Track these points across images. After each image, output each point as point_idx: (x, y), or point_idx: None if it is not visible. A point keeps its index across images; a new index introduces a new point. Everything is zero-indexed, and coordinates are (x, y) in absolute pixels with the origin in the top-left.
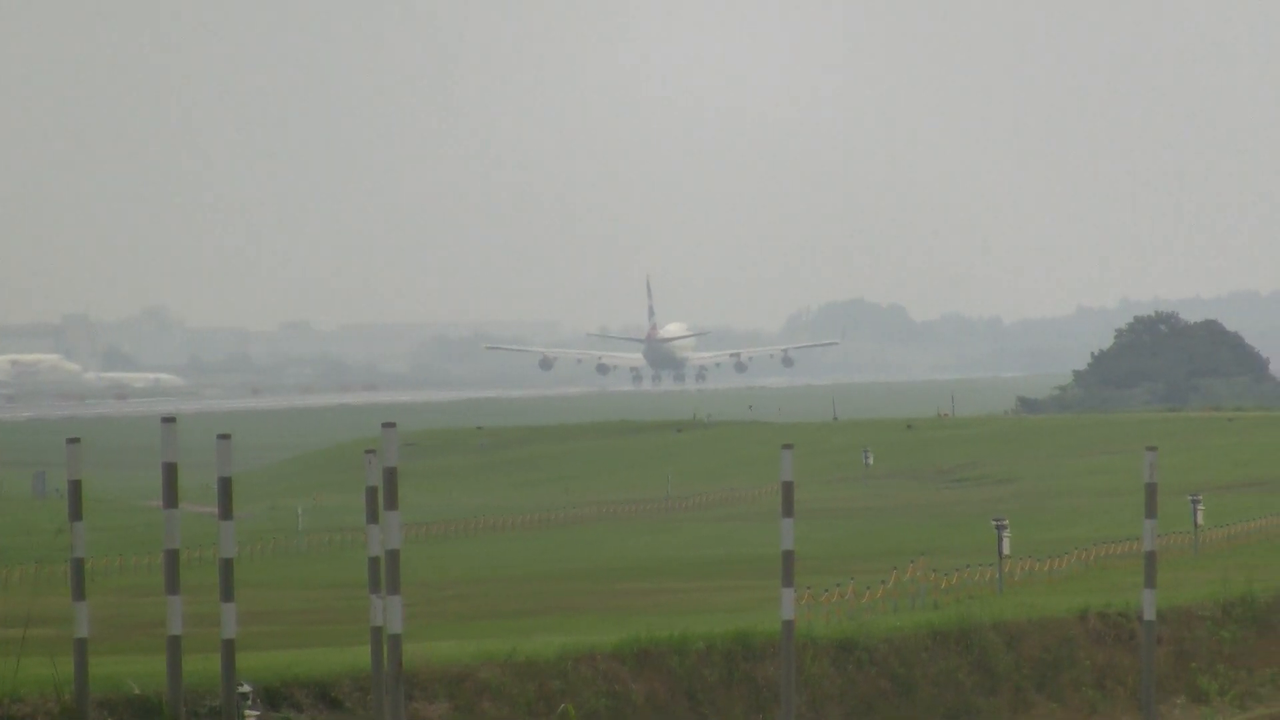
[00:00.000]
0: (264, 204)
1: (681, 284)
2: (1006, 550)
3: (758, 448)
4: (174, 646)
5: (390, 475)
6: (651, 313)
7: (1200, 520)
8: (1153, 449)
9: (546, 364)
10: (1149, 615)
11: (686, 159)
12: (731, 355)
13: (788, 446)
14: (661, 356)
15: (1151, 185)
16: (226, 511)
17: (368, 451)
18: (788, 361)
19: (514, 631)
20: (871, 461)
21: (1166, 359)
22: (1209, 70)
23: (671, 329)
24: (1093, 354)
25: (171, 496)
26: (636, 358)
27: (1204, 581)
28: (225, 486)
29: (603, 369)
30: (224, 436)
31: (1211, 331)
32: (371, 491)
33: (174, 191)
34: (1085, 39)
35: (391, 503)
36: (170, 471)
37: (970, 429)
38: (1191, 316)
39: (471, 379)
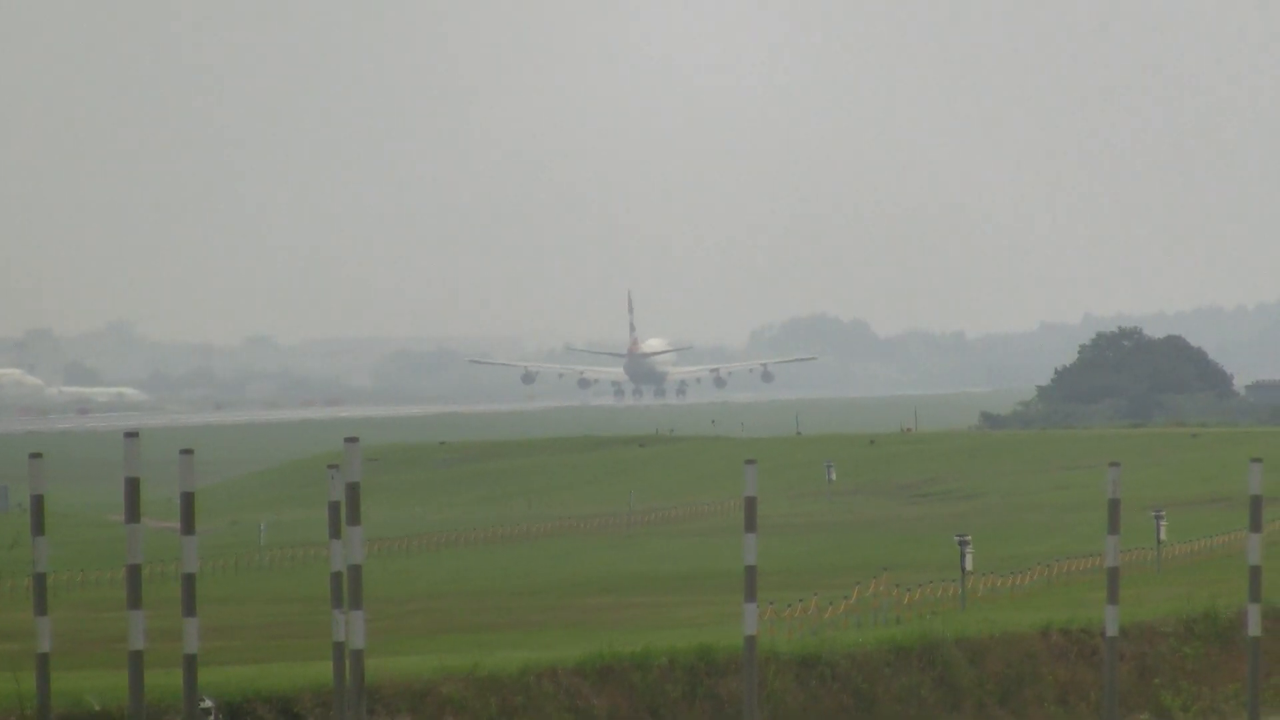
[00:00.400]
0: (226, 218)
1: (646, 299)
2: (969, 566)
3: (721, 463)
4: (136, 661)
5: (353, 490)
6: (632, 328)
7: (1163, 536)
8: (1116, 465)
9: (529, 378)
10: (1111, 631)
11: (650, 175)
12: (711, 370)
13: (751, 462)
14: (642, 371)
15: (1115, 201)
16: (189, 526)
17: (330, 466)
18: (767, 376)
19: (476, 646)
20: (834, 477)
21: (1130, 375)
22: (1171, 89)
23: (652, 344)
24: (1056, 369)
25: (134, 511)
26: (618, 372)
27: (1167, 597)
28: (188, 501)
29: (584, 383)
30: (186, 452)
31: (1175, 347)
32: (334, 506)
33: (137, 206)
34: (1047, 55)
35: (354, 518)
36: (133, 486)
37: (933, 444)
38: (1155, 332)
39: (435, 393)
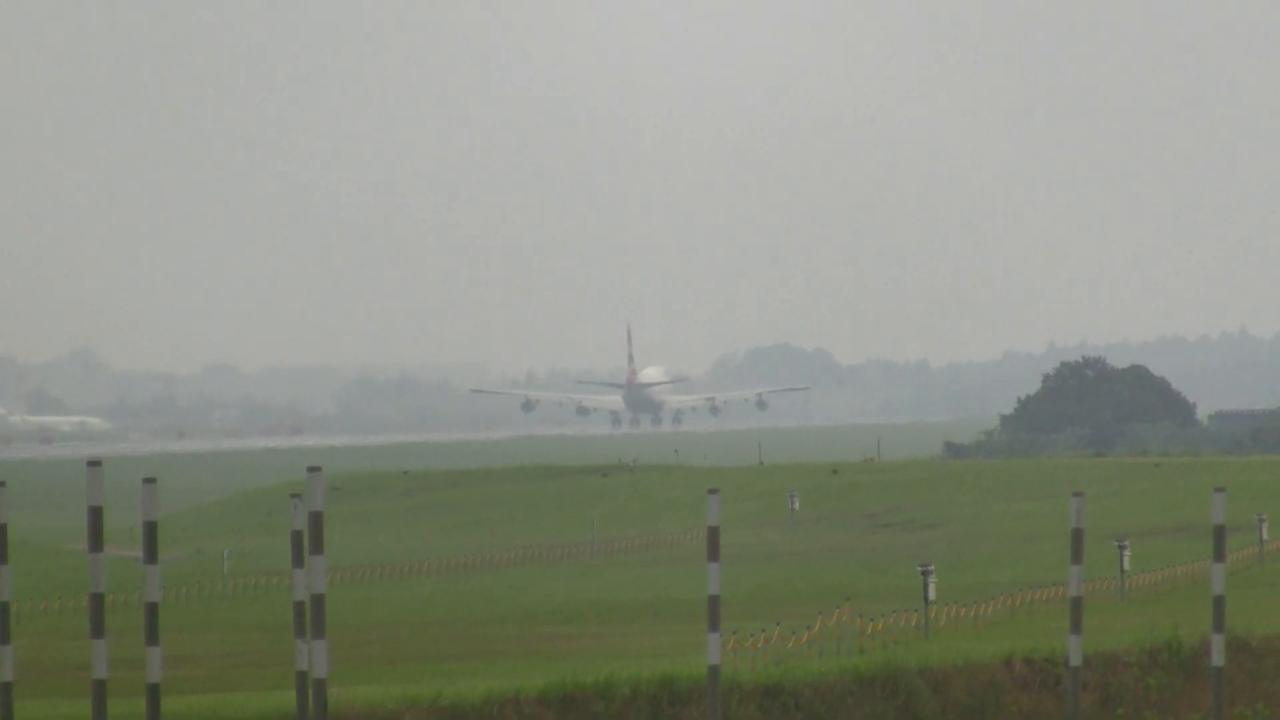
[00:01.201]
0: (189, 246)
1: (605, 327)
2: (932, 595)
3: (683, 492)
4: (99, 690)
5: (315, 519)
6: (631, 359)
7: (1127, 565)
8: (1079, 494)
9: (529, 406)
10: (1075, 661)
11: (611, 202)
12: (707, 399)
13: (713, 491)
14: (640, 400)
15: (1078, 230)
16: (151, 555)
17: (293, 495)
18: (762, 405)
19: (439, 675)
20: (797, 506)
21: (1093, 404)
22: (1131, 123)
23: (649, 373)
24: (1019, 399)
25: (97, 540)
26: (616, 400)
27: (1130, 627)
28: (150, 530)
29: (583, 411)
30: (149, 480)
31: (1138, 377)
32: (297, 535)
33: (98, 233)
34: (1010, 83)
35: (317, 546)
36: (95, 515)
37: (896, 473)
38: (1118, 361)
39: (397, 422)
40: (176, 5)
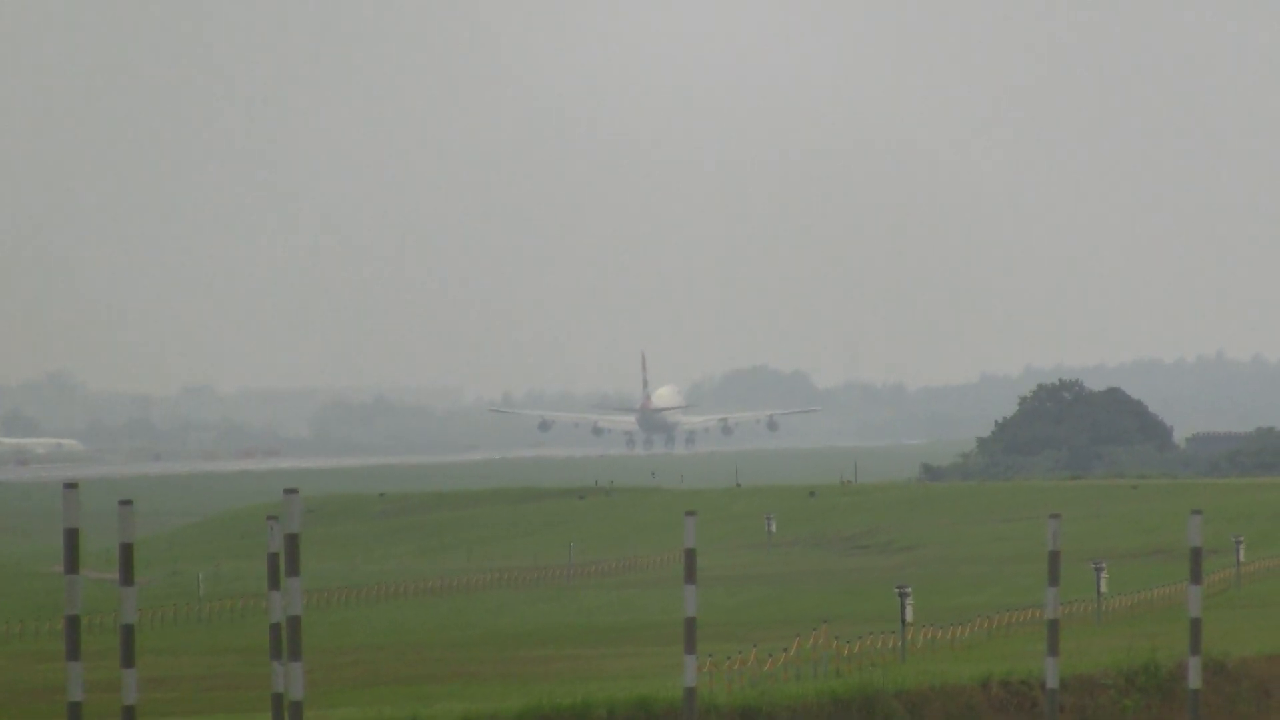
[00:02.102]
0: (164, 268)
1: (584, 348)
2: (909, 617)
3: (660, 514)
4: (74, 713)
5: (292, 541)
6: (645, 384)
7: (1104, 588)
8: (1056, 516)
9: (545, 426)
10: (1052, 683)
11: (584, 224)
12: (719, 420)
13: (691, 513)
14: (653, 422)
15: (1054, 253)
16: (128, 577)
17: (270, 517)
18: (773, 425)
19: (415, 698)
20: (774, 528)
21: (1070, 426)
22: (1108, 148)
23: (662, 394)
24: (996, 421)
25: (73, 562)
26: (630, 422)
27: (1107, 649)
28: (126, 552)
29: (598, 431)
30: (125, 503)
31: (1115, 399)
32: (273, 557)
33: (75, 256)
34: (984, 102)
35: (293, 568)
36: (72, 537)
37: (873, 496)
38: (1095, 384)
39: (373, 444)
40: (146, 30)
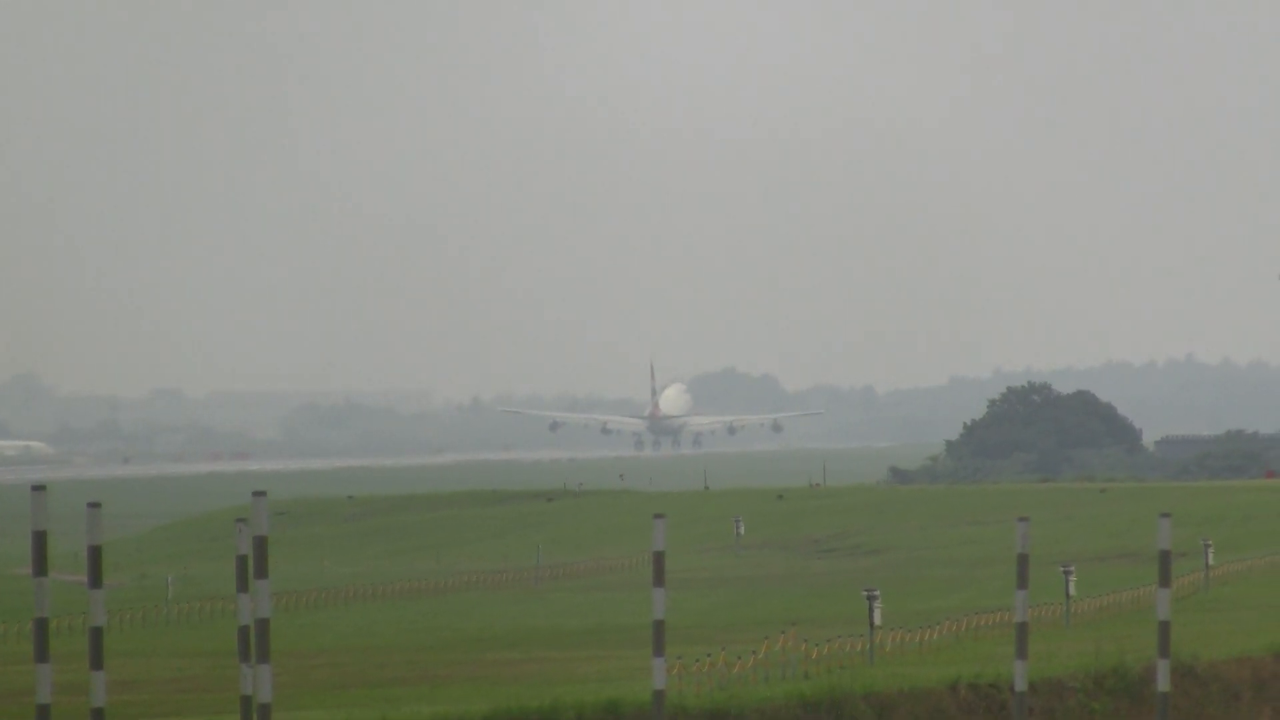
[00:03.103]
0: (133, 269)
1: (551, 351)
2: (878, 620)
3: (629, 517)
4: (43, 715)
5: (260, 544)
6: (654, 392)
7: (1072, 591)
8: (1025, 519)
9: (555, 426)
10: (1020, 686)
11: (551, 229)
12: (724, 421)
13: (659, 516)
14: (662, 426)
15: (1023, 256)
16: (96, 580)
17: (238, 520)
18: (777, 428)
19: (383, 701)
20: (743, 531)
21: (1039, 429)
22: (1076, 147)
23: (670, 394)
24: (965, 424)
25: (41, 565)
26: (638, 423)
27: (1076, 652)
28: (95, 555)
29: (607, 432)
30: (94, 505)
31: (1084, 402)
32: (242, 560)
33: (42, 257)
34: (954, 104)
35: (261, 571)
36: (40, 540)
37: (842, 499)
38: (1064, 387)
39: (343, 446)
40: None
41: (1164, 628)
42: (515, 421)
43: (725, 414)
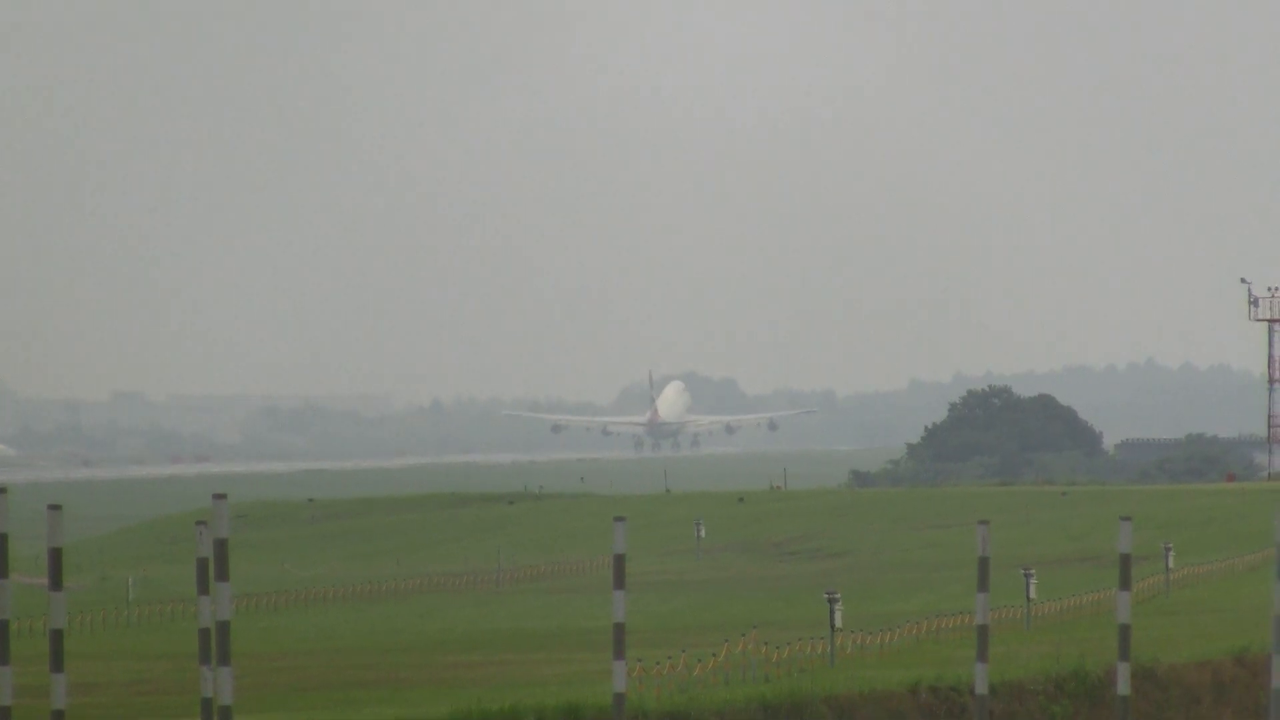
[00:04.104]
0: (93, 273)
1: (512, 355)
2: (838, 623)
3: (589, 520)
4: (3, 717)
5: (221, 546)
6: (652, 400)
7: (1033, 594)
8: (985, 522)
9: (558, 429)
10: (981, 689)
11: (510, 231)
12: (723, 422)
13: (620, 519)
14: (661, 430)
15: (984, 260)
16: (56, 582)
17: (199, 523)
18: (773, 426)
19: (344, 703)
20: (704, 534)
21: (1000, 433)
22: (1039, 150)
23: (668, 394)
24: (926, 427)
25: (2, 567)
26: (639, 426)
27: (1036, 655)
28: (55, 557)
29: (606, 433)
30: (54, 507)
31: (1045, 406)
32: (202, 563)
33: (4, 261)
34: (916, 107)
35: (222, 574)
36: (1, 542)
37: (803, 502)
38: (1025, 391)
39: (303, 449)
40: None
41: (1124, 631)
42: (436, 426)
43: (685, 417)
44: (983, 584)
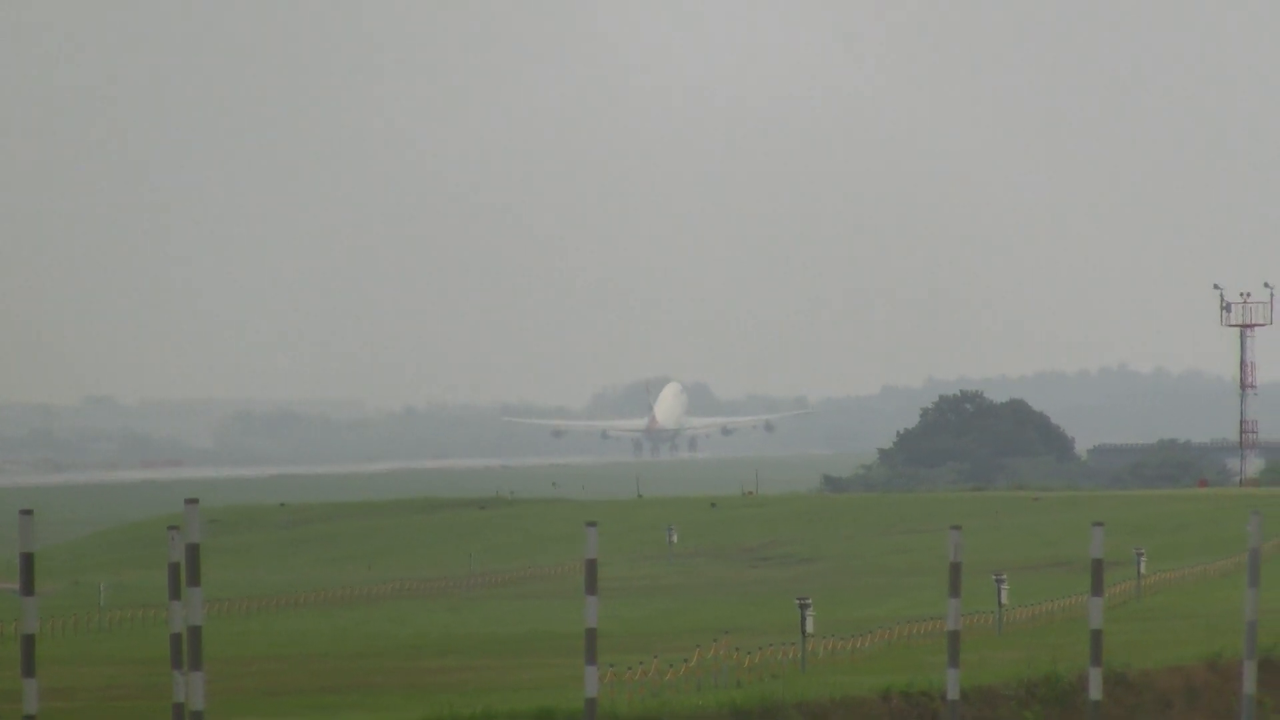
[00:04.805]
0: (65, 276)
1: (484, 360)
2: (810, 629)
3: (561, 525)
4: None
5: (193, 551)
6: (650, 408)
7: (1005, 599)
8: (957, 528)
9: (558, 434)
10: (953, 695)
11: (486, 235)
12: (719, 424)
13: (592, 524)
14: (660, 435)
15: (954, 265)
16: (28, 587)
17: (171, 528)
18: (769, 428)
19: (317, 709)
20: (676, 539)
21: (972, 438)
22: (1009, 154)
23: (666, 396)
24: (898, 433)
25: None
26: (638, 430)
27: (1008, 661)
28: (27, 562)
29: (606, 437)
30: (26, 512)
31: (1017, 411)
32: (174, 568)
33: None
34: (892, 119)
35: (194, 579)
36: None
37: (775, 507)
38: (997, 396)
39: (275, 454)
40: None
41: (1096, 636)
42: (409, 430)
43: (683, 419)
44: (955, 589)
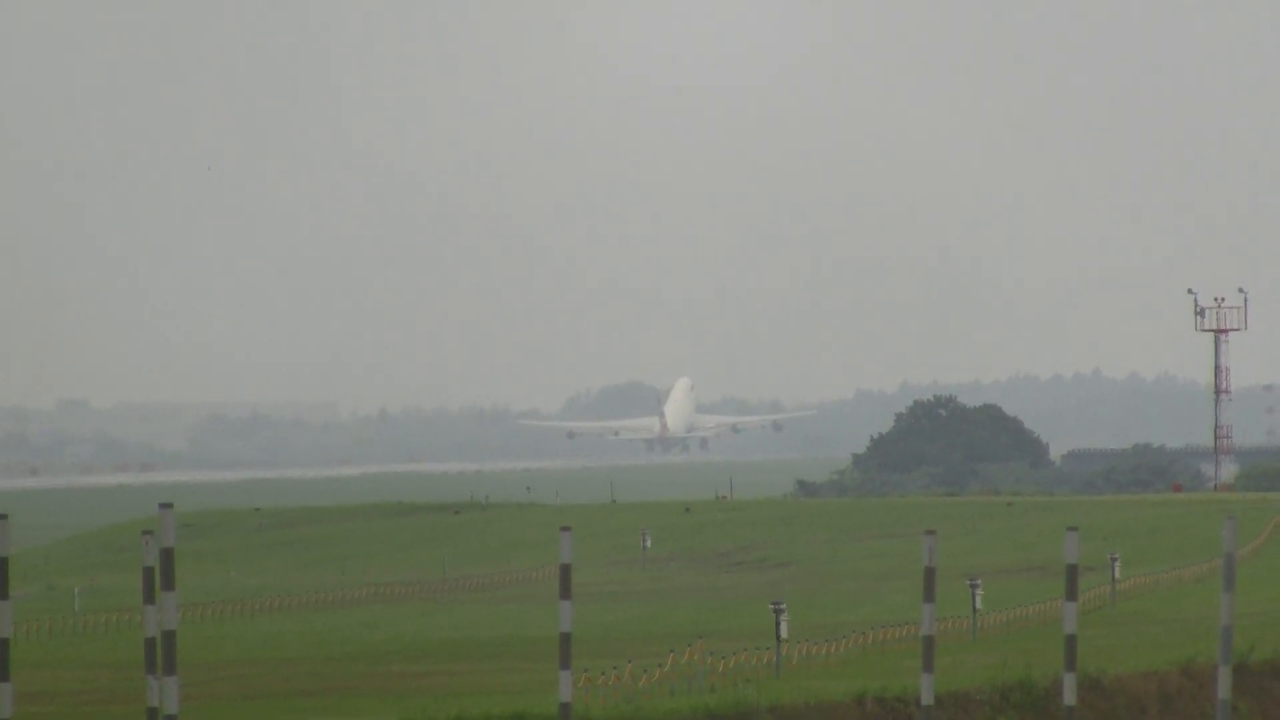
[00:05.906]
0: (38, 281)
1: (458, 363)
2: (784, 633)
3: (535, 529)
4: None
5: (167, 556)
6: (661, 414)
7: (979, 604)
8: (931, 533)
9: (572, 435)
10: (927, 699)
11: (460, 239)
12: (728, 423)
13: (566, 529)
14: (670, 440)
15: (931, 269)
16: (3, 591)
17: (144, 532)
18: (778, 428)
19: (291, 712)
20: (650, 544)
21: (946, 443)
22: (982, 157)
23: (676, 395)
24: (872, 438)
25: None
26: (649, 431)
27: (982, 666)
28: (2, 567)
29: (616, 435)
30: (1, 516)
31: (991, 416)
32: (148, 572)
33: None
34: (863, 124)
35: (168, 583)
36: None
37: (748, 512)
38: (971, 401)
39: (249, 458)
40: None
41: (1070, 641)
42: (382, 435)
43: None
44: (929, 594)
